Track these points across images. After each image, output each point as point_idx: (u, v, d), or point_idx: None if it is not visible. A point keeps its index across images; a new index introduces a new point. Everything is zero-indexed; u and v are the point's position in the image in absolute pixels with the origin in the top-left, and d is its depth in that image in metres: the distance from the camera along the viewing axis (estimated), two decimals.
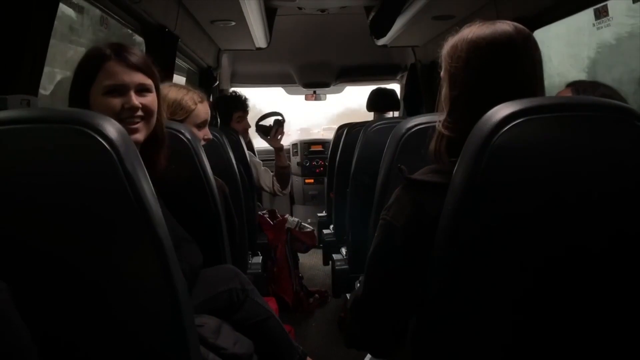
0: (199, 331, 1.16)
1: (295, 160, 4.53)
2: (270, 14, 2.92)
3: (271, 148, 3.04)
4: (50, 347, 0.79)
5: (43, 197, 0.80)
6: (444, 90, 0.96)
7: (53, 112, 0.84)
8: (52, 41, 1.25)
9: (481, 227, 0.79)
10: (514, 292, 0.82)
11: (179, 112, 1.65)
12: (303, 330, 2.77)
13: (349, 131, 2.66)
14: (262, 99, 6.07)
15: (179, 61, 2.69)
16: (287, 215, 3.06)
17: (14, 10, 1.14)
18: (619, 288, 0.83)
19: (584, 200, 0.80)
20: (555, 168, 0.79)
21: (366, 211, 1.52)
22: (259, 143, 3.66)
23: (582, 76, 2.23)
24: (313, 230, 3.19)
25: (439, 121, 0.96)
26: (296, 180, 4.53)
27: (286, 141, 4.55)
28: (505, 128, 0.77)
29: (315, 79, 4.21)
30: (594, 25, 1.66)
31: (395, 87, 4.05)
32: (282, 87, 4.51)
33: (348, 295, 2.16)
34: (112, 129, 0.81)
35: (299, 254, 3.27)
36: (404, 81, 3.95)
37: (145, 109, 1.19)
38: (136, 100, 1.16)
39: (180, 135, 1.43)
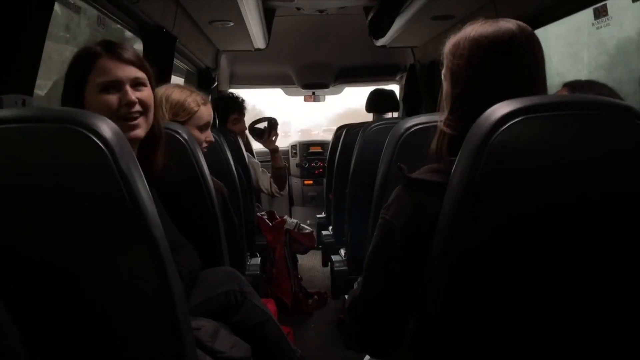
0: (196, 334, 1.14)
1: (294, 161, 4.53)
2: (268, 14, 2.91)
3: (266, 150, 3.04)
4: (41, 351, 0.78)
5: (35, 198, 0.79)
6: (445, 88, 0.95)
7: (47, 112, 0.83)
8: (47, 42, 1.23)
9: (480, 227, 0.79)
10: (514, 293, 0.82)
11: (182, 113, 1.64)
12: (302, 332, 2.76)
13: (347, 132, 2.66)
14: (262, 100, 6.08)
15: (177, 62, 2.68)
16: (286, 217, 3.05)
17: (10, 10, 1.13)
18: (622, 291, 0.82)
19: (584, 200, 0.79)
20: (555, 167, 0.78)
21: (365, 212, 1.51)
22: (258, 144, 3.66)
23: (581, 76, 2.22)
24: (312, 231, 3.18)
25: (440, 120, 0.95)
26: (295, 182, 4.52)
27: (285, 142, 4.55)
28: (504, 127, 0.77)
29: (314, 80, 4.20)
30: (593, 24, 1.66)
31: (395, 88, 4.04)
32: (281, 88, 4.50)
33: (347, 297, 2.15)
34: (106, 128, 0.80)
35: (298, 256, 3.26)
36: (403, 82, 3.94)
37: (143, 103, 1.17)
38: (132, 94, 1.15)
39: (177, 136, 1.42)
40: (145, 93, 1.19)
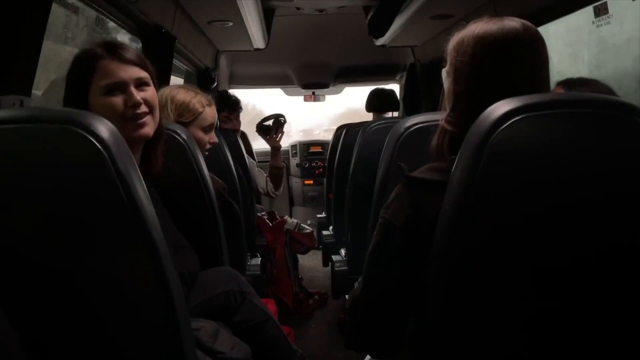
0: (196, 335, 1.14)
1: (294, 161, 4.52)
2: (268, 14, 2.91)
3: (268, 150, 3.04)
4: (39, 352, 0.78)
5: (33, 198, 0.78)
6: (448, 85, 0.95)
7: (44, 112, 0.82)
8: (45, 42, 1.23)
9: (480, 226, 0.78)
10: (514, 293, 0.81)
11: (186, 114, 1.65)
12: (303, 332, 2.76)
13: (347, 132, 2.65)
14: (262, 100, 6.09)
15: (176, 62, 2.68)
16: (286, 217, 3.05)
17: (7, 11, 1.12)
18: (623, 291, 0.81)
19: (584, 199, 0.79)
20: (555, 166, 0.78)
21: (365, 212, 1.50)
22: (258, 145, 3.65)
23: (582, 74, 2.21)
24: (312, 231, 3.18)
25: (442, 118, 0.95)
26: (295, 182, 4.52)
27: (286, 142, 4.54)
28: (504, 125, 0.76)
29: (313, 80, 4.20)
30: (593, 23, 1.65)
31: (395, 87, 4.04)
32: (280, 88, 4.50)
33: (347, 297, 2.14)
34: (104, 128, 0.79)
35: (299, 256, 3.26)
36: (403, 81, 3.94)
37: (148, 103, 1.17)
38: (137, 95, 1.14)
39: (177, 137, 1.41)
40: (150, 93, 1.18)
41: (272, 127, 2.95)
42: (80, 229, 0.79)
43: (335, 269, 2.26)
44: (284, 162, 4.34)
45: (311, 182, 4.49)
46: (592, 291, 0.81)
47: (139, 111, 1.15)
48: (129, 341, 0.84)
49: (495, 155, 0.76)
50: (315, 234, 3.22)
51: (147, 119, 1.17)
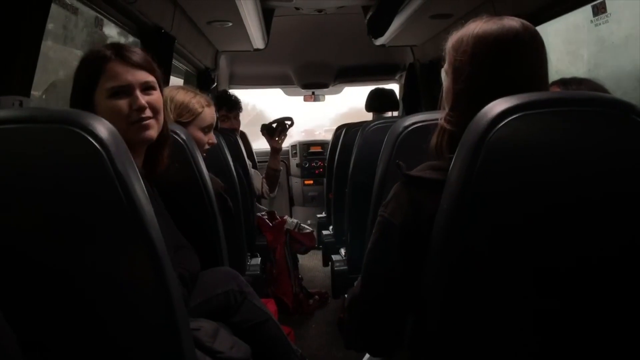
0: (196, 335, 1.14)
1: (294, 161, 4.52)
2: (267, 14, 2.92)
3: (268, 150, 3.04)
4: (38, 352, 0.78)
5: (32, 198, 0.78)
6: (447, 84, 0.95)
7: (42, 112, 0.82)
8: (44, 43, 1.23)
9: (477, 225, 0.78)
10: (513, 292, 0.81)
11: (186, 114, 1.66)
12: (303, 332, 2.76)
13: (347, 131, 2.66)
14: (263, 100, 6.08)
15: (176, 63, 2.68)
16: (286, 217, 3.05)
17: (6, 11, 1.13)
18: (622, 291, 0.81)
19: (582, 197, 0.79)
20: (553, 164, 0.78)
21: (365, 211, 1.50)
22: (258, 145, 3.66)
23: (581, 73, 2.21)
24: (312, 231, 3.18)
25: (441, 117, 0.95)
26: (295, 182, 4.52)
27: (287, 142, 4.53)
28: (502, 124, 0.76)
29: (313, 80, 4.19)
30: (592, 22, 1.65)
31: (395, 87, 4.04)
32: (280, 88, 4.50)
33: (347, 295, 2.14)
34: (102, 128, 0.80)
35: (299, 256, 3.25)
36: (402, 81, 3.94)
37: (153, 107, 1.18)
38: (142, 99, 1.15)
39: (176, 137, 1.42)
40: (155, 97, 1.19)
41: (277, 129, 2.96)
42: (79, 229, 0.79)
43: (335, 268, 2.26)
44: (283, 162, 4.36)
45: (311, 182, 4.48)
46: (592, 291, 0.81)
47: (143, 115, 1.16)
48: (128, 341, 0.84)
49: (493, 154, 0.76)
50: (315, 233, 3.22)
51: (151, 122, 1.18)
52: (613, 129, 0.79)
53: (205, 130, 1.70)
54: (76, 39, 1.83)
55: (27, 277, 0.79)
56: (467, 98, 0.90)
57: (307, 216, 4.30)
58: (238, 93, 3.12)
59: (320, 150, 4.47)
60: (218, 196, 1.58)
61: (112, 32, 1.97)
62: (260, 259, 2.29)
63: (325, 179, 3.45)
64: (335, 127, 3.29)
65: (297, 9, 2.99)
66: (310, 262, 3.89)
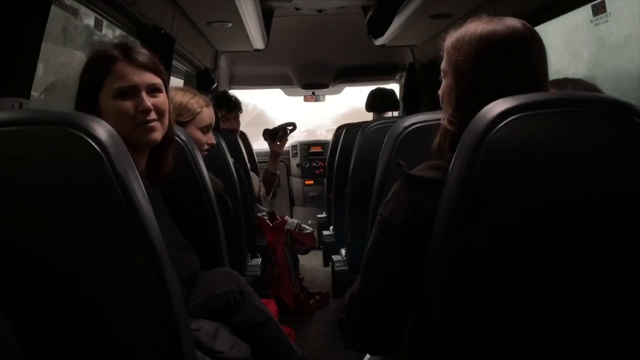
0: (196, 335, 1.14)
1: (294, 161, 4.52)
2: (267, 15, 2.92)
3: (268, 151, 3.05)
4: (39, 353, 0.78)
5: (32, 200, 0.79)
6: (447, 83, 0.94)
7: (42, 114, 0.83)
8: (44, 44, 1.24)
9: (477, 225, 0.78)
10: (513, 292, 0.81)
11: (185, 113, 1.67)
12: (304, 332, 2.76)
13: (347, 132, 2.66)
14: (264, 100, 6.07)
15: (176, 63, 2.68)
16: (286, 217, 3.05)
17: (6, 13, 1.13)
18: (623, 292, 0.81)
19: (582, 197, 0.79)
20: (553, 165, 0.78)
21: (365, 211, 1.50)
22: (258, 145, 3.65)
23: (581, 73, 2.22)
24: (313, 231, 3.18)
25: (444, 118, 0.94)
26: (296, 182, 4.51)
27: (287, 143, 4.52)
28: (501, 124, 0.76)
29: (313, 80, 4.19)
30: (591, 21, 1.65)
31: (395, 87, 4.04)
32: (280, 88, 4.50)
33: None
34: (102, 130, 0.80)
35: (299, 256, 3.25)
36: (402, 81, 3.94)
37: (158, 109, 1.17)
38: (148, 101, 1.15)
39: (176, 137, 1.41)
40: (161, 99, 1.19)
41: (278, 133, 2.96)
42: (79, 230, 0.80)
43: (336, 268, 2.27)
44: (284, 162, 4.36)
45: (311, 182, 4.48)
46: (592, 291, 0.81)
47: (148, 117, 1.15)
48: (128, 341, 0.84)
49: (492, 154, 0.76)
50: (315, 234, 3.22)
51: (156, 124, 1.17)
52: (613, 129, 0.79)
53: (204, 130, 1.71)
54: (76, 40, 1.83)
55: (27, 278, 0.79)
56: (471, 99, 0.89)
57: (307, 216, 4.30)
58: (239, 93, 3.12)
59: (321, 150, 4.47)
60: (218, 197, 1.59)
61: (111, 33, 1.97)
62: (260, 259, 2.29)
63: (325, 179, 3.45)
64: (335, 128, 3.29)
65: (297, 9, 2.99)
66: (310, 262, 3.89)
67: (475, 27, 0.90)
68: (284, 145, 2.98)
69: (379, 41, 3.14)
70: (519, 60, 0.87)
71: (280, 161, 4.33)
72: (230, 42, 3.03)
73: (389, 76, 4.20)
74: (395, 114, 3.61)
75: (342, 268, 2.25)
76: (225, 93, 3.09)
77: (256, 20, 2.64)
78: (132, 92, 1.14)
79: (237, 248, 1.94)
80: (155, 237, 0.82)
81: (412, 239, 0.88)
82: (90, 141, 0.78)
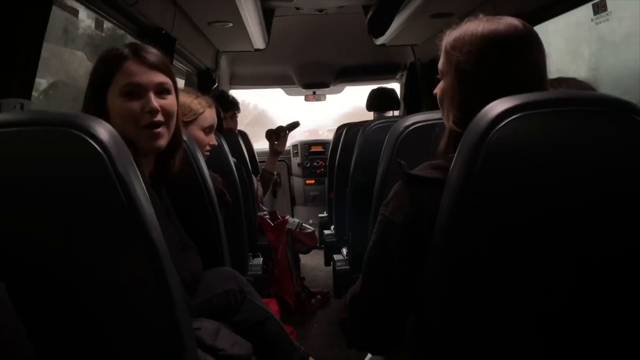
0: (197, 334, 1.15)
1: (295, 161, 4.52)
2: (268, 14, 2.92)
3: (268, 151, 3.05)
4: (39, 353, 0.78)
5: (34, 200, 0.79)
6: (447, 83, 0.94)
7: (43, 115, 0.83)
8: (45, 44, 1.24)
9: (478, 225, 0.78)
10: (513, 292, 0.81)
11: (188, 113, 1.67)
12: (305, 332, 2.76)
13: (348, 131, 2.66)
14: (265, 100, 6.07)
15: (177, 64, 2.68)
16: (287, 216, 3.05)
17: (7, 14, 1.13)
18: (624, 293, 0.81)
19: (583, 197, 0.79)
20: (554, 164, 0.78)
21: (366, 210, 1.51)
22: (258, 145, 3.66)
23: (582, 72, 2.21)
24: (314, 231, 3.18)
25: (449, 119, 0.94)
26: (297, 181, 4.52)
27: (288, 142, 4.52)
28: (502, 124, 0.76)
29: (314, 80, 4.19)
30: (592, 20, 1.65)
31: (395, 86, 4.04)
32: (281, 88, 4.50)
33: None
34: (103, 131, 0.80)
35: (301, 255, 3.25)
36: (403, 80, 3.94)
37: (165, 111, 1.15)
38: (155, 102, 1.13)
39: None
40: (169, 101, 1.17)
41: (280, 132, 2.96)
42: (80, 231, 0.80)
43: (337, 268, 2.27)
44: (285, 161, 4.36)
45: (312, 181, 4.48)
46: (592, 291, 0.81)
47: (155, 119, 1.13)
48: (130, 342, 0.84)
49: (493, 154, 0.76)
50: (316, 233, 3.22)
51: (162, 129, 1.15)
52: (613, 129, 0.79)
53: (207, 130, 1.72)
54: (76, 40, 1.83)
55: (28, 279, 0.79)
56: (476, 99, 0.87)
57: (308, 216, 4.30)
58: (240, 93, 3.12)
59: (322, 149, 4.47)
60: (216, 191, 1.59)
61: (111, 33, 1.98)
62: (262, 259, 2.29)
63: (326, 179, 3.45)
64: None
65: (298, 9, 2.99)
66: (312, 261, 3.89)
67: (476, 26, 0.89)
68: (285, 144, 2.98)
69: (380, 40, 3.14)
70: (522, 60, 0.87)
71: (282, 160, 4.34)
72: (231, 42, 3.03)
73: (389, 75, 4.19)
74: (396, 113, 3.61)
75: (343, 267, 2.26)
76: (222, 92, 3.09)
77: (257, 20, 2.65)
78: (139, 92, 1.12)
79: (239, 247, 1.95)
80: (157, 238, 0.83)
81: (413, 239, 0.88)
82: (92, 142, 0.78)
